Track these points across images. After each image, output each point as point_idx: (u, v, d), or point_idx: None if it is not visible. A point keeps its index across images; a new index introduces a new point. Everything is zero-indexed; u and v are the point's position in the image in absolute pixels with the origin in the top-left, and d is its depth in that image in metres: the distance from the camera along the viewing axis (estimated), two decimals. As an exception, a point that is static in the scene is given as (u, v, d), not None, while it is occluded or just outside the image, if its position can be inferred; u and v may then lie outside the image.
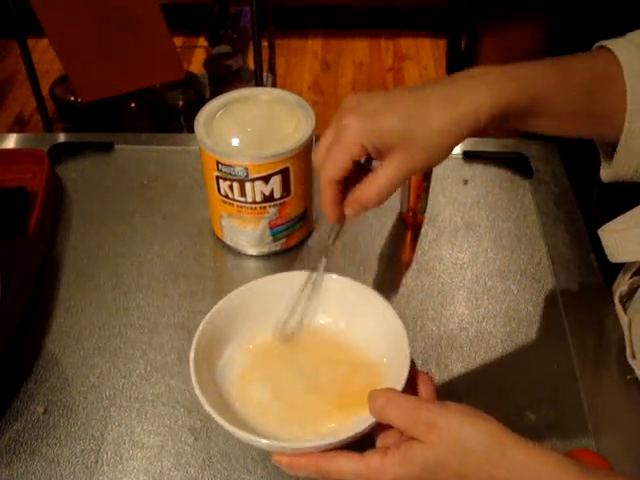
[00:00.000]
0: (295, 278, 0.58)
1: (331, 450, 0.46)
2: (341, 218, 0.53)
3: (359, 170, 0.51)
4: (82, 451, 0.59)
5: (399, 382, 0.48)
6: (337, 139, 0.49)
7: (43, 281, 0.74)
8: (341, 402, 0.52)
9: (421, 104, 0.48)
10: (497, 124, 0.49)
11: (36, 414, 0.62)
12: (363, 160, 0.51)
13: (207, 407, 0.48)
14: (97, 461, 0.59)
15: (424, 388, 0.49)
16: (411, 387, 0.49)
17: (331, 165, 0.50)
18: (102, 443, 0.60)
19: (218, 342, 0.55)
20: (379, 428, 0.47)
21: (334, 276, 0.58)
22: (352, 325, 0.57)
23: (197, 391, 0.50)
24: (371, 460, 0.45)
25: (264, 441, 0.47)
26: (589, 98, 0.52)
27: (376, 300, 0.56)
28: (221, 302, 0.56)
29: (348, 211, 0.52)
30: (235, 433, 0.48)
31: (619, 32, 0.55)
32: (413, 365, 0.50)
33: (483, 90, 0.48)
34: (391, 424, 0.46)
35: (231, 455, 0.59)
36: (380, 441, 0.47)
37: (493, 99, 0.48)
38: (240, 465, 0.58)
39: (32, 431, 0.61)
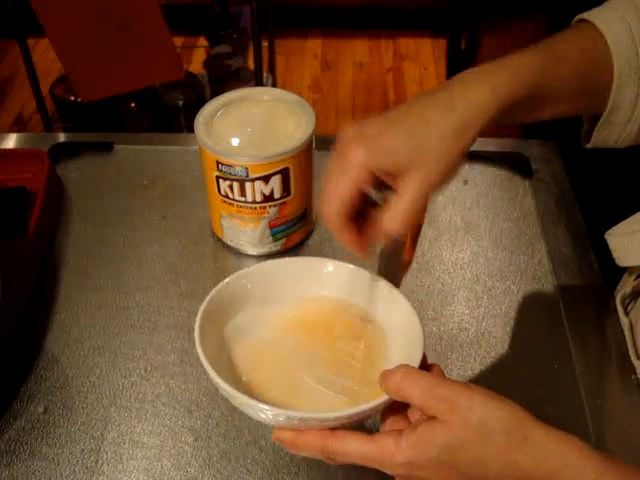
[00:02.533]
0: (313, 262, 0.57)
1: (338, 429, 0.44)
2: (366, 249, 0.50)
3: (369, 207, 0.49)
4: (82, 451, 0.59)
5: (413, 362, 0.47)
6: (342, 170, 0.47)
7: (43, 281, 0.74)
8: (352, 383, 0.50)
9: (423, 119, 0.47)
10: (501, 120, 0.48)
11: (36, 414, 0.62)
12: (374, 196, 0.49)
13: (207, 367, 0.46)
14: (97, 461, 0.59)
15: (436, 372, 0.47)
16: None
17: (338, 197, 0.47)
18: (102, 443, 0.60)
19: (233, 305, 0.54)
20: (386, 413, 0.45)
21: (350, 265, 0.56)
22: (364, 308, 0.56)
23: (199, 351, 0.47)
24: (384, 442, 0.42)
25: (269, 408, 0.44)
26: (582, 78, 0.52)
27: (395, 294, 0.55)
28: (245, 270, 0.54)
29: (374, 240, 0.50)
30: (237, 399, 0.45)
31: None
32: (425, 358, 0.48)
33: (480, 90, 0.47)
34: (408, 401, 0.43)
35: (231, 455, 0.59)
36: (388, 425, 0.45)
37: (492, 96, 0.47)
38: (240, 465, 0.58)
39: (32, 431, 0.61)
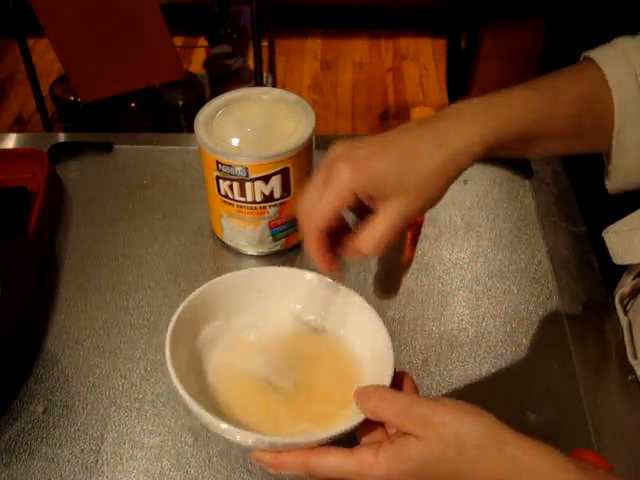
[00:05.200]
0: (283, 274, 0.57)
1: (317, 447, 0.45)
2: (334, 267, 0.51)
3: (345, 229, 0.50)
4: (82, 451, 0.59)
5: (385, 380, 0.47)
6: (328, 187, 0.48)
7: (43, 281, 0.74)
8: (325, 400, 0.51)
9: (412, 148, 0.48)
10: (491, 156, 0.49)
11: (36, 414, 0.62)
12: (349, 220, 0.50)
13: (188, 400, 0.46)
14: (97, 461, 0.59)
15: (407, 386, 0.49)
16: (394, 386, 0.48)
17: (319, 213, 0.48)
18: (102, 443, 0.60)
19: (199, 321, 0.54)
20: (362, 426, 0.46)
21: (322, 277, 0.56)
22: (334, 323, 0.56)
23: (174, 379, 0.47)
24: (363, 455, 0.43)
25: (251, 435, 0.45)
26: (580, 118, 0.51)
27: (358, 301, 0.54)
28: (204, 286, 0.55)
29: (347, 259, 0.51)
30: (219, 427, 0.45)
31: (617, 32, 0.55)
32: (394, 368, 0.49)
33: (471, 127, 0.48)
34: (385, 422, 0.45)
35: (231, 455, 0.59)
36: (365, 439, 0.46)
37: (484, 134, 0.48)
38: (240, 465, 0.58)
39: (32, 431, 0.61)
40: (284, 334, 0.56)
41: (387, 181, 0.47)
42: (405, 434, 0.43)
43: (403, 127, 0.50)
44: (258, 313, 0.56)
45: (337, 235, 0.51)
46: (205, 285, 0.55)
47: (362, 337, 0.54)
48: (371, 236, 0.48)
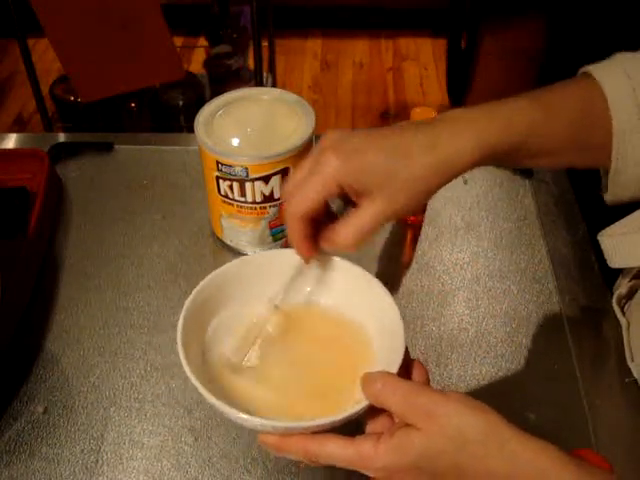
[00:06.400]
0: (293, 256, 0.56)
1: (321, 433, 0.45)
2: (312, 254, 0.51)
3: (328, 215, 0.50)
4: (82, 451, 0.59)
5: (393, 366, 0.47)
6: (313, 175, 0.48)
7: (43, 281, 0.74)
8: (332, 384, 0.51)
9: (404, 148, 0.47)
10: (482, 165, 0.48)
11: (36, 414, 0.62)
12: (335, 207, 0.50)
13: (193, 380, 0.46)
14: (97, 461, 0.59)
15: (418, 374, 0.48)
16: (405, 372, 0.48)
17: (302, 200, 0.48)
18: (102, 443, 0.60)
19: (209, 311, 0.54)
20: (369, 413, 0.46)
21: (335, 258, 0.55)
22: (347, 306, 0.56)
23: (184, 364, 0.47)
24: (362, 446, 0.43)
25: (255, 419, 0.45)
26: (576, 133, 0.51)
27: (373, 284, 0.54)
28: (212, 274, 0.54)
29: (323, 248, 0.51)
30: (223, 409, 0.45)
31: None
32: (407, 352, 0.49)
33: (465, 136, 0.47)
34: (387, 409, 0.44)
35: (231, 455, 0.59)
36: (370, 426, 0.46)
37: (476, 144, 0.47)
38: (240, 465, 0.58)
39: (32, 431, 0.61)
40: (294, 317, 0.55)
41: (373, 177, 0.47)
42: (406, 425, 0.43)
43: (399, 125, 0.50)
44: (267, 298, 0.56)
45: (321, 221, 0.50)
46: (211, 275, 0.54)
47: (374, 320, 0.53)
48: (348, 231, 0.48)
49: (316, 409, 0.49)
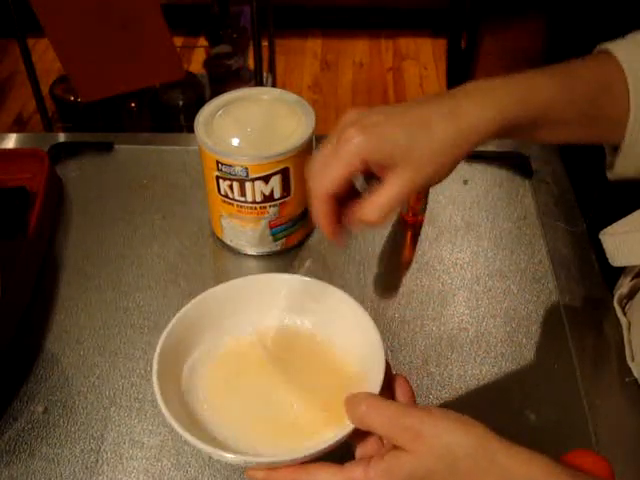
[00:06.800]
0: (265, 281, 0.56)
1: (309, 462, 0.44)
2: (339, 235, 0.50)
3: (352, 193, 0.50)
4: (82, 451, 0.59)
5: (376, 386, 0.47)
6: (337, 153, 0.47)
7: (43, 281, 0.74)
8: (316, 409, 0.50)
9: (425, 118, 0.47)
10: (501, 137, 0.48)
11: (36, 414, 0.62)
12: (359, 185, 0.49)
13: (172, 422, 0.46)
14: (97, 461, 0.59)
15: (401, 391, 0.48)
16: (388, 390, 0.48)
17: (328, 178, 0.47)
18: (102, 443, 0.60)
19: (185, 346, 0.53)
20: (357, 436, 0.46)
21: (306, 279, 0.56)
22: (324, 328, 0.55)
23: (160, 403, 0.47)
24: (353, 472, 0.43)
25: (236, 457, 0.44)
26: (593, 106, 0.51)
27: (347, 302, 0.53)
28: (189, 304, 0.54)
29: (350, 228, 0.50)
30: (204, 449, 0.45)
31: (617, 33, 0.55)
32: (388, 368, 0.49)
33: (486, 104, 0.47)
34: (373, 432, 0.44)
35: (231, 455, 0.59)
36: (360, 449, 0.46)
37: (496, 113, 0.47)
38: (240, 465, 0.58)
39: (32, 431, 0.61)
40: (273, 342, 0.55)
41: (396, 150, 0.46)
42: (395, 448, 0.42)
43: (419, 98, 0.49)
44: (244, 324, 0.55)
45: (345, 202, 0.50)
46: (186, 307, 0.54)
47: (354, 341, 0.53)
48: (374, 204, 0.47)
49: (298, 440, 0.48)
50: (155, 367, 0.49)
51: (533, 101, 0.49)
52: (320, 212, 0.49)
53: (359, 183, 0.50)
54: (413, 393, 0.48)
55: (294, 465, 0.45)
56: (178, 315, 0.53)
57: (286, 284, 0.56)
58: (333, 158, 0.47)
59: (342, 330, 0.54)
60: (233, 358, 0.54)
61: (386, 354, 0.49)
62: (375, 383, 0.47)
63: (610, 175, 0.56)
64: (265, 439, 0.48)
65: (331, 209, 0.49)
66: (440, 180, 0.48)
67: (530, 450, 0.41)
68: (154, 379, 0.48)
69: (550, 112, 0.50)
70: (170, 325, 0.53)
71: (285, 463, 0.45)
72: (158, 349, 0.50)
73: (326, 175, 0.48)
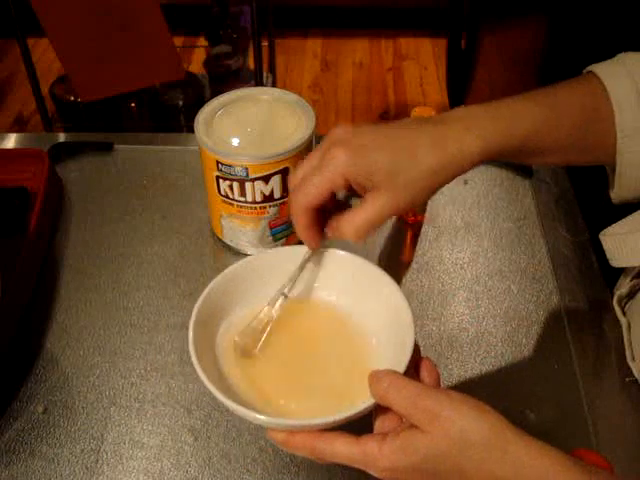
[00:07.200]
0: (299, 251, 0.56)
1: (328, 430, 0.45)
2: (317, 243, 0.53)
3: (337, 205, 0.51)
4: (82, 451, 0.59)
5: (400, 366, 0.47)
6: (320, 168, 0.49)
7: (43, 281, 0.74)
8: (339, 382, 0.51)
9: (410, 144, 0.48)
10: (487, 162, 0.49)
11: (36, 414, 0.62)
12: (342, 196, 0.51)
13: (203, 378, 0.47)
14: (97, 461, 0.59)
15: (427, 375, 0.48)
16: (415, 371, 0.48)
17: (309, 191, 0.49)
18: (102, 443, 0.60)
19: (219, 312, 0.54)
20: (378, 409, 0.46)
21: (342, 252, 0.56)
22: (355, 303, 0.56)
23: (194, 361, 0.48)
24: (368, 446, 0.43)
25: (260, 416, 0.45)
26: (579, 133, 0.52)
27: (383, 280, 0.54)
28: (220, 275, 0.54)
29: (328, 236, 0.52)
30: (231, 407, 0.46)
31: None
32: (417, 350, 0.49)
33: (471, 135, 0.48)
34: (392, 408, 0.44)
35: (231, 455, 0.59)
36: (378, 423, 0.46)
37: (481, 144, 0.48)
38: (240, 465, 0.58)
39: (32, 431, 0.61)
40: (301, 314, 0.56)
41: (379, 174, 0.48)
42: (411, 426, 0.43)
43: (405, 122, 0.50)
44: (273, 296, 0.56)
45: (331, 211, 0.51)
46: (219, 277, 0.54)
47: (383, 317, 0.53)
48: (353, 222, 0.49)
49: (321, 406, 0.49)
50: (192, 322, 0.50)
51: (517, 131, 0.49)
52: (299, 224, 0.51)
53: (342, 195, 0.51)
54: (439, 377, 0.49)
55: (312, 432, 0.45)
56: (219, 276, 0.54)
57: (326, 256, 0.56)
58: (316, 174, 0.49)
59: (373, 306, 0.54)
60: (263, 317, 0.55)
61: (416, 335, 0.49)
62: (400, 362, 0.47)
63: (613, 195, 0.57)
64: (285, 407, 0.49)
65: (310, 221, 0.51)
66: (419, 204, 0.50)
67: (542, 442, 0.41)
68: (190, 335, 0.49)
69: (537, 139, 0.50)
70: (210, 286, 0.53)
71: (304, 427, 0.45)
72: (199, 302, 0.52)
73: (307, 189, 0.49)
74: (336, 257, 0.56)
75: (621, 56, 0.54)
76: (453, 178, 0.49)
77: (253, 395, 0.50)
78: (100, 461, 0.59)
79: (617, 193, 0.56)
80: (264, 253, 0.59)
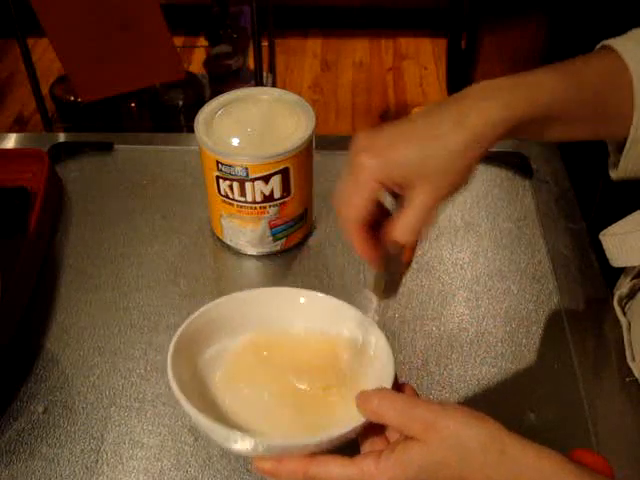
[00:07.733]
0: (289, 294, 0.57)
1: (319, 454, 0.44)
2: (375, 254, 0.51)
3: (384, 212, 0.50)
4: (82, 451, 0.59)
5: (387, 381, 0.47)
6: (354, 181, 0.48)
7: (43, 281, 0.74)
8: (321, 410, 0.50)
9: (433, 129, 0.47)
10: (510, 136, 0.48)
11: (36, 414, 0.62)
12: (388, 203, 0.50)
13: (186, 405, 0.46)
14: (97, 461, 0.59)
15: (408, 391, 0.48)
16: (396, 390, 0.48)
17: (350, 207, 0.48)
18: (102, 443, 0.60)
19: (201, 341, 0.54)
20: (364, 435, 0.46)
21: (320, 294, 0.56)
22: (341, 335, 0.55)
23: (174, 389, 0.47)
24: (364, 464, 0.43)
25: (251, 440, 0.44)
26: (600, 102, 0.51)
27: (353, 312, 0.54)
28: (204, 307, 0.54)
29: (388, 247, 0.50)
30: (219, 432, 0.45)
31: (617, 32, 0.55)
32: (395, 377, 0.49)
33: (494, 105, 0.47)
34: (386, 424, 0.45)
35: (231, 455, 0.59)
36: (367, 447, 0.46)
37: (505, 113, 0.47)
38: (240, 465, 0.58)
39: (32, 431, 0.61)
40: (286, 346, 0.56)
41: (410, 168, 0.46)
42: (406, 439, 0.43)
43: (423, 111, 0.49)
44: (259, 331, 0.56)
45: (380, 223, 0.50)
46: (204, 307, 0.54)
47: (362, 344, 0.53)
48: (403, 226, 0.48)
49: (310, 433, 0.48)
50: (171, 351, 0.49)
51: (540, 99, 0.48)
52: (355, 242, 0.50)
53: (388, 201, 0.50)
54: (418, 396, 0.49)
55: (303, 456, 0.44)
56: (197, 312, 0.54)
57: (302, 299, 0.56)
58: (350, 186, 0.48)
59: (353, 337, 0.54)
60: (245, 361, 0.55)
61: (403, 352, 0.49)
62: (387, 378, 0.48)
63: (613, 174, 0.56)
64: (273, 433, 0.49)
65: (364, 237, 0.49)
66: (459, 188, 0.48)
67: (540, 445, 0.41)
68: (169, 362, 0.49)
69: (558, 109, 0.49)
70: (191, 317, 0.53)
71: (296, 449, 0.44)
72: (176, 336, 0.51)
73: (350, 205, 0.48)
74: (307, 297, 0.56)
75: (631, 33, 0.54)
76: (484, 153, 0.47)
77: (239, 426, 0.49)
78: (100, 461, 0.59)
79: (621, 169, 0.55)
80: (243, 292, 0.57)
